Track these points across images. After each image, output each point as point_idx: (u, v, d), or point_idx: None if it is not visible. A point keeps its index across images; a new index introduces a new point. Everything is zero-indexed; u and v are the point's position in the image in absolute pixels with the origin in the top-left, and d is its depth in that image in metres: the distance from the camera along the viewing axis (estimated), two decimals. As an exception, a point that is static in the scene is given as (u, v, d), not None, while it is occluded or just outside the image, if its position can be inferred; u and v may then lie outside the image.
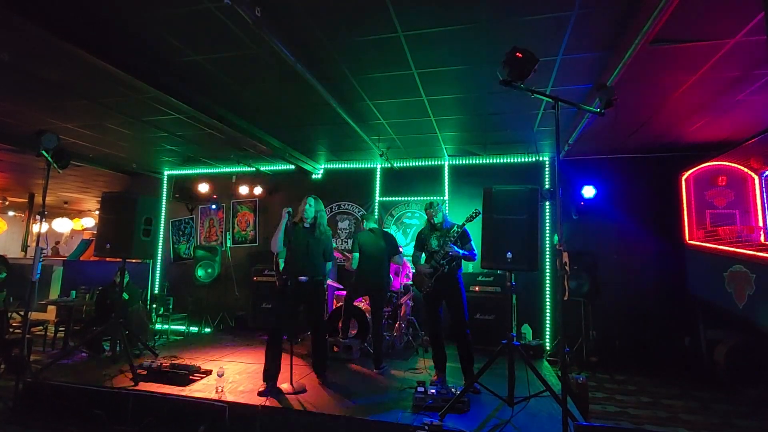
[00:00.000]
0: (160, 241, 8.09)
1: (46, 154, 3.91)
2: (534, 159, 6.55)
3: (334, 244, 6.83)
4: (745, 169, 5.39)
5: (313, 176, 7.55)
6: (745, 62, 3.55)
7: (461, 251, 3.93)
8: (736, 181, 5.39)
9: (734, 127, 5.06)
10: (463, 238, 4.02)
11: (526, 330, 6.02)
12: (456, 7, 2.99)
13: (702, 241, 5.44)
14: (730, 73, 3.74)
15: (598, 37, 3.29)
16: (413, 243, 4.42)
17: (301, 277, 3.90)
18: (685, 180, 5.76)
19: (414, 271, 4.33)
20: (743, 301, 4.55)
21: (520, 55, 2.65)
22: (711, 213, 5.49)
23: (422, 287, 4.09)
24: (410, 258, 4.65)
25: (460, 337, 3.97)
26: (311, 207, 4.08)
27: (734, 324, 4.97)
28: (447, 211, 6.44)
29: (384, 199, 7.23)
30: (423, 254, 4.22)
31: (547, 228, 6.33)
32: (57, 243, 13.71)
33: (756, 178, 5.31)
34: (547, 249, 6.27)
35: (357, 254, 4.79)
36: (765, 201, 5.11)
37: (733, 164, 5.46)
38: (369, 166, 7.35)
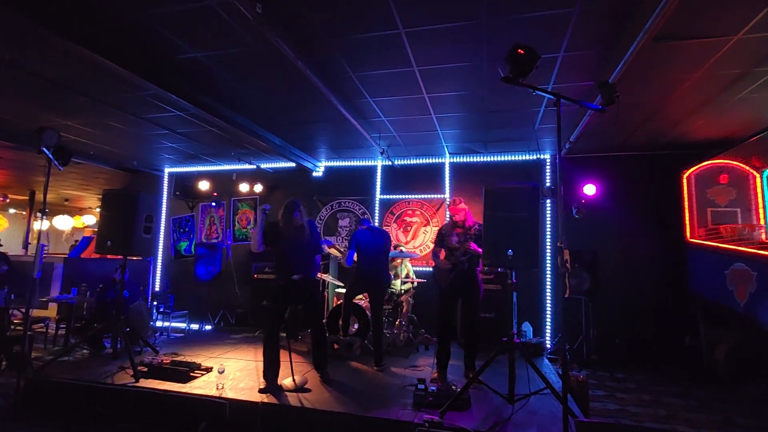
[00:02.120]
0: (161, 239, 8.11)
1: (46, 152, 3.91)
2: (535, 157, 6.55)
3: (335, 243, 6.84)
4: (747, 167, 5.38)
5: (314, 174, 7.55)
6: (748, 59, 3.53)
7: (481, 249, 3.94)
8: (737, 179, 5.38)
9: (736, 124, 5.04)
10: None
11: (527, 328, 6.02)
12: (457, 4, 2.98)
13: (703, 239, 5.43)
14: (732, 70, 3.72)
15: (600, 34, 3.28)
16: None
17: (294, 276, 3.90)
18: (687, 178, 5.74)
19: (434, 266, 4.35)
20: (744, 299, 4.55)
21: (521, 52, 2.64)
22: (712, 211, 5.48)
23: (442, 282, 4.11)
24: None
25: (472, 334, 3.99)
26: (302, 215, 3.99)
27: (735, 322, 4.97)
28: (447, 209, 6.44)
29: (385, 196, 7.22)
30: (442, 250, 4.23)
31: (548, 226, 6.32)
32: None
33: (758, 176, 5.30)
34: (548, 246, 6.26)
35: (352, 251, 4.83)
36: (767, 199, 5.10)
37: (734, 162, 5.44)
38: (370, 163, 7.33)
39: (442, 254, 4.18)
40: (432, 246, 4.38)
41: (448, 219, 4.32)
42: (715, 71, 3.74)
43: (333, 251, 5.84)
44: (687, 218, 5.70)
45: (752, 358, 4.77)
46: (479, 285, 4.08)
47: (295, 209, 3.95)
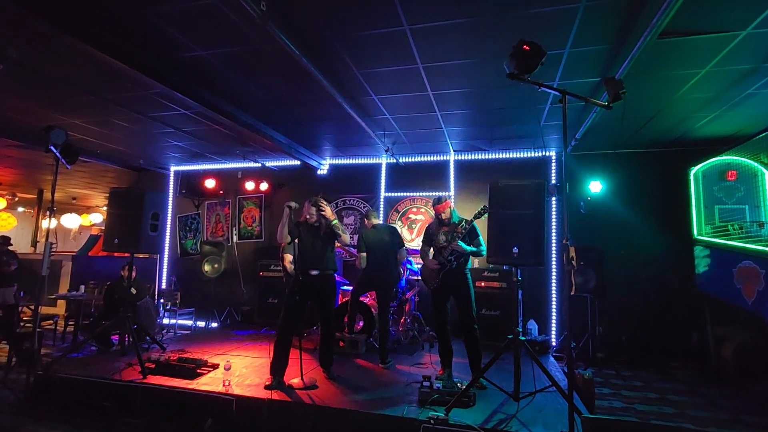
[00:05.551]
0: (167, 237, 8.16)
1: (54, 150, 3.93)
2: (540, 154, 6.52)
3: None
4: (755, 164, 5.31)
5: (319, 172, 7.56)
6: (756, 54, 3.49)
7: (468, 248, 3.91)
8: (745, 176, 5.32)
9: (744, 120, 5.00)
10: (472, 233, 4.00)
11: (532, 325, 6.01)
12: (462, 0, 2.97)
13: (710, 237, 5.39)
14: (740, 65, 3.68)
15: (607, 29, 3.25)
16: (419, 238, 4.40)
17: (312, 271, 3.92)
18: (694, 175, 5.69)
19: (422, 266, 4.33)
20: (752, 297, 4.50)
21: (527, 48, 2.63)
22: (720, 208, 5.43)
23: (430, 282, 4.09)
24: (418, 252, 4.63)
25: (468, 333, 3.97)
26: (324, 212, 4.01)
27: (742, 320, 4.92)
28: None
29: (389, 194, 7.22)
30: (431, 249, 4.21)
31: (554, 223, 6.30)
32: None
33: (766, 172, 5.23)
34: (554, 244, 6.24)
35: (364, 254, 4.81)
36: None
37: (742, 159, 5.38)
38: (374, 161, 7.33)
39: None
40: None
41: (433, 217, 4.27)
42: (723, 67, 3.70)
43: (340, 250, 5.85)
44: (694, 215, 5.66)
45: (760, 356, 4.73)
46: (469, 283, 4.01)
47: (314, 206, 4.00)
